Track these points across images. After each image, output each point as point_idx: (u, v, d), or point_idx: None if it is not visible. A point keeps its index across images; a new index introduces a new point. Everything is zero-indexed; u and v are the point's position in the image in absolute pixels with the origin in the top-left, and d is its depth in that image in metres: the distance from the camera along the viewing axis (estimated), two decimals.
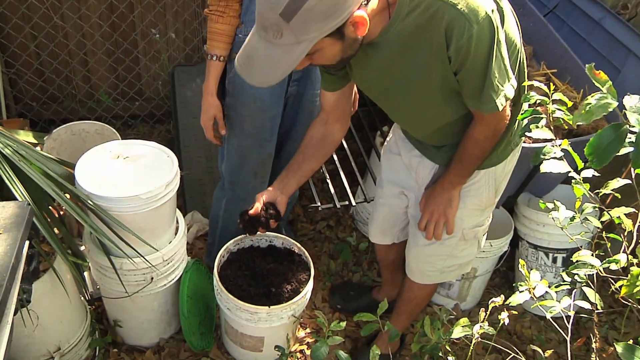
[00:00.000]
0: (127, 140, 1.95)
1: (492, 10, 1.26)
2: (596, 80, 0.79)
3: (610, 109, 0.76)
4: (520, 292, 1.39)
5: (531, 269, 1.41)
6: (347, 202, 2.45)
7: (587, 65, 0.82)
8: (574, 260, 1.14)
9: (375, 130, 2.71)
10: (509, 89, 1.38)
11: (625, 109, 0.72)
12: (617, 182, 1.24)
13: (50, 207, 1.71)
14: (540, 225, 2.35)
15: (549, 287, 1.34)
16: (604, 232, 1.33)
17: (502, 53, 1.33)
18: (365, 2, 1.20)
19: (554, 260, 2.40)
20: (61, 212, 1.81)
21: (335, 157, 2.52)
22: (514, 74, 1.41)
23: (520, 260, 1.45)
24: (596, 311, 1.31)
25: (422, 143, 1.74)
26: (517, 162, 1.77)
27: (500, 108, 1.38)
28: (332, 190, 2.47)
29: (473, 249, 1.87)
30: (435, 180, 1.73)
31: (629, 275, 0.98)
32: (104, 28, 2.84)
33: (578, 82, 2.51)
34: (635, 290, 0.97)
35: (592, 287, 1.34)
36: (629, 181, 1.21)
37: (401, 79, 1.42)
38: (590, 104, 0.76)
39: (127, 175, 1.75)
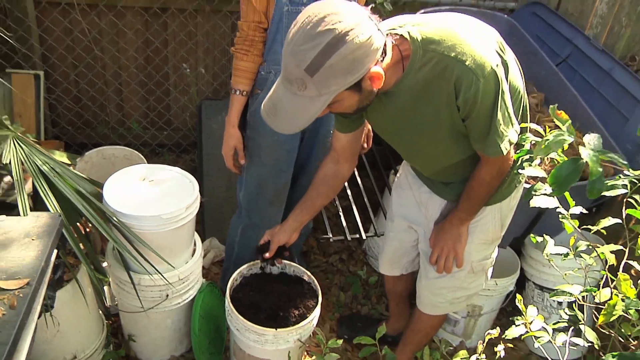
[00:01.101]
0: (153, 164, 2.09)
1: (497, 65, 1.39)
2: (557, 119, 0.89)
3: (566, 145, 0.86)
4: (516, 325, 1.46)
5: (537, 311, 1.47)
6: (357, 235, 2.54)
7: (550, 107, 0.92)
8: (556, 289, 1.21)
9: (389, 169, 2.81)
10: (512, 134, 1.48)
11: (584, 145, 0.82)
12: (608, 221, 1.32)
13: (78, 223, 1.85)
14: (546, 267, 2.41)
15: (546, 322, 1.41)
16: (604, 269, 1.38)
17: (506, 102, 1.44)
18: (382, 58, 1.31)
19: (560, 302, 2.44)
20: (87, 229, 1.95)
21: (349, 192, 2.63)
22: (517, 118, 1.52)
23: (517, 295, 1.51)
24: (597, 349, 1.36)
25: (431, 180, 1.84)
26: (523, 204, 1.85)
27: (505, 152, 1.49)
28: (345, 224, 2.57)
29: (481, 280, 1.95)
30: (444, 215, 1.83)
31: (606, 305, 1.05)
32: (139, 61, 3.04)
33: (587, 129, 2.59)
34: (611, 319, 1.04)
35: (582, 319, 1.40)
36: (619, 220, 1.29)
37: (413, 124, 1.53)
38: (548, 139, 0.86)
39: (151, 196, 1.88)
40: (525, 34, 2.88)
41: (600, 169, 0.86)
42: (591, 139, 0.85)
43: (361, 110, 1.43)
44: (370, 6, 1.80)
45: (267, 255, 1.89)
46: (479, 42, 1.39)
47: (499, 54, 1.44)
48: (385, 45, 1.32)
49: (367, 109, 1.45)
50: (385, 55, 1.34)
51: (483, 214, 1.77)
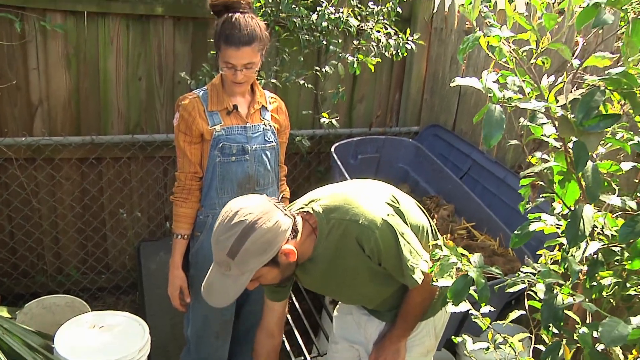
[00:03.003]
0: (101, 311, 2.18)
1: (388, 214, 1.64)
2: (446, 247, 1.15)
3: (453, 269, 1.11)
4: None
5: None
6: (302, 358, 2.66)
7: (444, 236, 1.18)
8: None
9: None
10: (422, 264, 1.70)
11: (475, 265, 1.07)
12: (515, 313, 1.55)
13: None
14: None
15: None
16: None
17: (408, 241, 1.67)
18: (292, 236, 1.59)
19: None
20: None
21: (289, 317, 2.77)
22: (428, 246, 1.78)
23: None
24: None
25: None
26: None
27: (419, 282, 1.69)
28: (288, 347, 2.68)
29: None
30: (383, 335, 2.01)
31: None
32: (77, 209, 3.16)
33: (494, 231, 2.94)
34: None
35: None
36: (523, 312, 1.53)
37: (339, 280, 1.77)
38: (442, 264, 1.11)
39: (103, 343, 1.97)
40: (430, 154, 3.29)
41: (483, 281, 1.11)
42: (476, 258, 1.11)
43: (286, 280, 1.69)
44: (280, 197, 2.14)
45: None
46: (368, 201, 1.65)
47: (392, 205, 1.70)
48: (295, 223, 1.62)
49: (294, 276, 1.71)
50: (297, 232, 1.62)
51: (419, 329, 1.94)
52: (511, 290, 1.24)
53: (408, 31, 3.09)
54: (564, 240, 1.21)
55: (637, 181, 1.36)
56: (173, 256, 2.13)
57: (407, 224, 1.71)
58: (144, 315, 2.95)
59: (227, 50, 1.94)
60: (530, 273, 1.26)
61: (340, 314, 2.18)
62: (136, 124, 3.11)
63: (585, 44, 2.77)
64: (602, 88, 0.97)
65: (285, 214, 1.59)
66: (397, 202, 1.75)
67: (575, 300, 1.01)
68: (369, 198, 1.68)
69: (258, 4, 2.81)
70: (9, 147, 2.82)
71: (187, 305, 2.22)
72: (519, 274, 1.25)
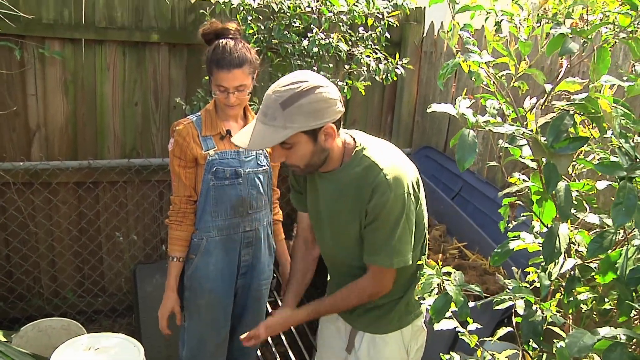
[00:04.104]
0: (97, 333, 2.21)
1: (408, 193, 1.65)
2: (427, 265, 1.19)
3: (434, 290, 1.15)
4: None
5: None
6: None
7: (423, 258, 1.22)
8: None
9: None
10: (404, 259, 1.69)
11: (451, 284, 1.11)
12: (502, 331, 1.58)
13: None
14: None
15: None
16: None
17: (409, 227, 1.67)
18: (337, 131, 1.62)
19: None
20: None
21: (284, 339, 2.80)
22: (420, 250, 1.80)
23: None
24: None
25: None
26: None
27: (393, 266, 1.68)
28: None
29: None
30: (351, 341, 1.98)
31: None
32: (73, 232, 3.20)
33: (485, 251, 2.97)
34: None
35: None
36: (510, 329, 1.56)
37: (333, 212, 1.79)
38: (423, 282, 1.15)
39: None
40: (422, 176, 3.33)
41: (462, 299, 1.15)
42: (456, 276, 1.15)
43: (310, 168, 1.69)
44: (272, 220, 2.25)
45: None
46: (402, 170, 1.68)
47: (414, 188, 1.71)
48: (341, 124, 1.64)
49: (307, 187, 1.74)
50: (338, 135, 1.64)
51: (388, 342, 1.89)
52: (499, 307, 1.29)
53: (397, 56, 3.17)
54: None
55: (613, 199, 1.42)
56: (168, 278, 2.16)
57: (414, 213, 1.72)
58: (139, 338, 2.97)
59: (219, 74, 2.00)
60: (519, 291, 1.31)
61: (322, 322, 2.17)
62: (132, 148, 3.17)
63: (569, 65, 2.85)
64: (571, 112, 1.03)
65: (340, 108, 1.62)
66: (418, 188, 1.76)
67: (547, 316, 1.05)
68: (403, 168, 1.69)
69: (251, 31, 2.89)
70: (7, 172, 2.88)
71: (178, 326, 2.24)
72: (506, 292, 1.29)
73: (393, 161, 1.68)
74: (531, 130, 1.02)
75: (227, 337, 2.33)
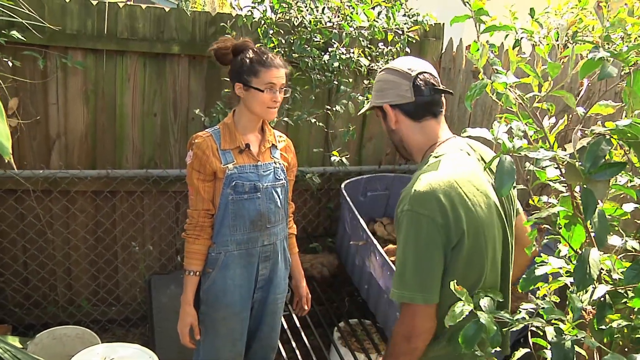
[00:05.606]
0: (112, 343, 2.20)
1: (433, 221, 1.37)
2: (457, 293, 1.17)
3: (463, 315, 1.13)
4: None
5: None
6: None
7: (451, 282, 1.21)
8: None
9: (332, 326, 3.01)
10: (416, 296, 1.39)
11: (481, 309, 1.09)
12: (520, 352, 1.55)
13: None
14: None
15: None
16: None
17: (421, 255, 1.39)
18: (410, 117, 1.59)
19: None
20: None
21: (297, 352, 2.78)
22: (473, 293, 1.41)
23: None
24: None
25: None
26: None
27: (396, 300, 1.42)
28: None
29: None
30: None
31: None
32: (90, 241, 3.21)
33: None
34: None
35: None
36: (528, 350, 1.54)
37: None
38: (452, 310, 1.14)
39: None
40: None
41: (495, 327, 1.13)
42: (485, 303, 1.13)
43: (400, 152, 1.69)
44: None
45: None
46: (441, 192, 1.39)
47: (449, 217, 1.39)
48: (425, 117, 1.58)
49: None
50: (420, 126, 1.59)
51: None
52: (514, 328, 1.26)
53: None
54: (567, 279, 1.23)
55: (639, 222, 1.39)
56: (185, 293, 2.14)
57: (443, 246, 1.40)
58: (153, 348, 2.96)
59: (269, 71, 2.04)
60: (532, 309, 1.28)
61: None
62: (150, 158, 3.18)
63: (589, 84, 2.83)
64: (608, 137, 1.01)
65: (424, 111, 1.59)
66: (461, 220, 1.40)
67: (583, 340, 1.03)
68: (444, 191, 1.40)
69: (272, 45, 2.90)
70: (27, 179, 2.89)
71: (196, 342, 2.22)
72: (519, 311, 1.25)
73: (440, 178, 1.42)
74: (567, 155, 1.01)
75: (242, 351, 2.31)
